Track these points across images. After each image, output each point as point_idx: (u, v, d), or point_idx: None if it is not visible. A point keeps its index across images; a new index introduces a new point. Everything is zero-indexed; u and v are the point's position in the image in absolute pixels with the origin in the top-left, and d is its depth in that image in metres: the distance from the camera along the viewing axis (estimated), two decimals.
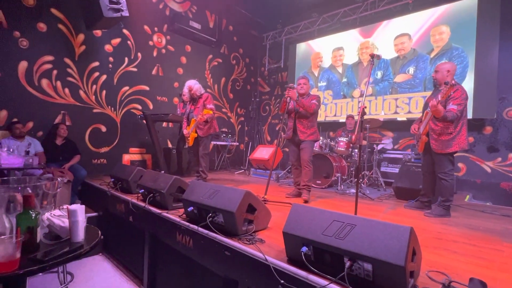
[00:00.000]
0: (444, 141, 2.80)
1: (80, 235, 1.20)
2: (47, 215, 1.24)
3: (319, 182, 4.54)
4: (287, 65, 7.26)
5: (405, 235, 1.22)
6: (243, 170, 6.34)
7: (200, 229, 2.05)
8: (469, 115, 4.48)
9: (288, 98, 3.43)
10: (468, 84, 4.53)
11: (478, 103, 4.46)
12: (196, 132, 4.13)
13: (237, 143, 7.34)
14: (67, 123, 4.43)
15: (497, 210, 3.41)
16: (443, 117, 2.69)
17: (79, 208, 1.19)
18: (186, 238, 2.20)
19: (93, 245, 1.19)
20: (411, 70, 5.13)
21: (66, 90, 4.48)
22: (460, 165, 4.72)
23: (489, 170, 4.49)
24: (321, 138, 4.78)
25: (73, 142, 4.16)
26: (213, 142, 6.38)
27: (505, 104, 4.37)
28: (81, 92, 4.65)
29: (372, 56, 2.33)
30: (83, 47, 4.64)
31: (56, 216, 1.23)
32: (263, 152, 5.76)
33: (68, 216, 1.20)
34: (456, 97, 2.72)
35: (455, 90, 2.76)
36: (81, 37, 4.60)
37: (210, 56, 6.77)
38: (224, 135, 6.62)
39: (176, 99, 6.00)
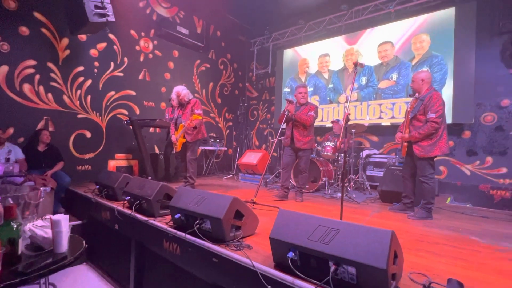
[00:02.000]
0: (426, 146, 2.91)
1: (64, 245, 1.18)
2: (29, 226, 1.21)
3: (307, 186, 4.58)
4: (274, 70, 7.34)
5: (386, 239, 1.26)
6: (231, 175, 6.34)
7: (188, 236, 2.05)
8: (449, 120, 4.66)
9: (287, 111, 3.54)
10: (448, 91, 4.72)
11: (457, 109, 4.64)
12: (184, 137, 4.12)
13: (225, 148, 7.34)
14: (50, 129, 4.32)
15: (477, 211, 3.55)
16: (421, 137, 2.86)
17: (62, 218, 1.17)
18: (173, 246, 2.18)
19: (77, 255, 1.17)
20: (394, 76, 5.30)
21: (49, 95, 4.37)
22: (441, 168, 4.88)
23: (468, 173, 4.67)
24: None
25: (56, 148, 4.06)
26: (201, 147, 6.36)
27: (481, 110, 4.57)
28: (65, 97, 4.56)
29: (356, 64, 2.41)
30: (67, 52, 4.56)
31: (39, 227, 1.21)
32: (251, 157, 5.78)
33: (51, 226, 1.18)
34: (433, 104, 2.84)
35: (429, 97, 2.88)
36: (65, 41, 4.51)
37: (198, 61, 6.78)
38: (212, 140, 6.60)
39: (163, 104, 5.96)
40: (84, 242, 1.33)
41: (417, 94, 2.94)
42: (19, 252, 1.11)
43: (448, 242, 2.22)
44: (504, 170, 4.37)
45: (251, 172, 5.71)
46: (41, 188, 1.38)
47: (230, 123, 7.72)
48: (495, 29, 4.46)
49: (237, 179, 5.91)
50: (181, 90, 4.20)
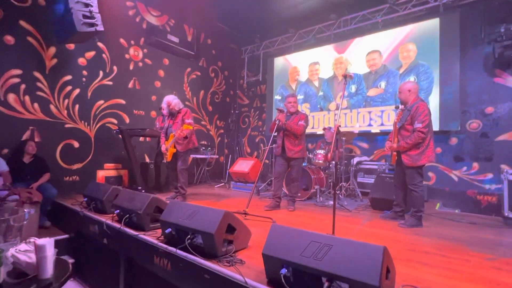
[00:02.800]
0: (414, 155, 2.97)
1: (49, 271, 1.13)
2: (11, 251, 1.16)
3: (299, 194, 4.59)
4: (265, 78, 7.39)
5: (378, 255, 1.27)
6: (223, 184, 6.29)
7: (179, 251, 2.01)
8: (436, 127, 4.76)
9: (278, 120, 3.55)
10: (434, 99, 4.84)
11: (444, 116, 4.75)
12: (174, 147, 4.07)
13: (217, 156, 7.29)
14: (36, 140, 4.20)
15: (465, 217, 3.61)
16: (409, 146, 2.90)
17: (47, 243, 1.13)
18: (164, 261, 2.14)
19: (62, 281, 1.13)
20: (383, 84, 5.40)
21: (36, 105, 4.27)
22: (430, 174, 4.97)
23: (456, 178, 4.77)
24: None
25: (42, 159, 3.95)
26: (192, 156, 6.30)
27: (467, 117, 4.69)
28: (52, 107, 4.46)
29: (345, 76, 2.45)
30: (55, 61, 4.48)
31: (22, 252, 1.15)
32: (243, 165, 5.75)
33: (35, 251, 1.13)
34: (419, 114, 2.91)
35: (416, 107, 2.95)
36: (52, 50, 4.44)
37: (189, 69, 6.76)
38: (204, 148, 6.56)
39: (153, 113, 5.90)
40: (70, 265, 1.29)
41: (401, 106, 3.03)
42: (1, 280, 1.06)
43: (438, 251, 2.25)
44: (490, 175, 4.48)
45: (243, 180, 5.68)
46: (25, 210, 1.33)
47: (222, 131, 7.69)
48: (478, 39, 4.61)
49: (228, 188, 5.87)
50: (171, 100, 4.17)
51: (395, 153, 3.07)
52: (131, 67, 5.57)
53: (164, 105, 4.23)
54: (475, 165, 4.61)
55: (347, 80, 2.49)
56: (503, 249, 2.37)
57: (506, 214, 3.25)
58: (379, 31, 5.49)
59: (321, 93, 6.28)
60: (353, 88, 5.77)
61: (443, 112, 4.75)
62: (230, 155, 7.53)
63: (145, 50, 5.81)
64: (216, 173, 7.33)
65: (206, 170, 6.85)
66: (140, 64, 5.74)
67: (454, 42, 4.70)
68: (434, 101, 4.83)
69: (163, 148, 4.16)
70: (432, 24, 4.92)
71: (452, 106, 4.69)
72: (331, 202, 4.16)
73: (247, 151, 7.82)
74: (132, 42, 5.60)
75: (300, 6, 6.02)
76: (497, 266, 1.97)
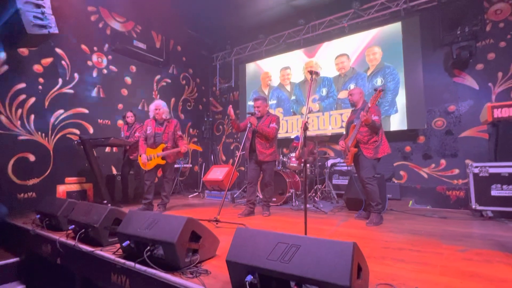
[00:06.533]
0: (373, 148, 3.08)
1: None
2: None
3: (275, 199, 4.48)
4: (238, 84, 7.32)
5: (348, 252, 1.17)
6: (197, 193, 6.05)
7: (137, 265, 1.81)
8: (405, 127, 4.90)
9: (249, 123, 3.51)
10: (401, 99, 4.98)
11: (411, 115, 4.89)
12: (162, 158, 3.86)
13: (190, 165, 7.05)
14: None
15: (436, 213, 3.67)
16: (372, 123, 2.88)
17: None
18: (122, 278, 1.92)
19: None
20: (352, 87, 5.49)
21: None
22: (401, 173, 5.07)
23: (426, 176, 4.89)
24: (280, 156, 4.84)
25: None
26: None
27: (432, 116, 4.86)
28: (2, 118, 4.08)
29: (311, 72, 2.41)
30: (5, 68, 4.12)
31: None
32: (217, 173, 5.57)
33: None
34: (374, 111, 2.97)
35: (367, 107, 3.00)
36: (2, 56, 4.08)
37: (158, 76, 6.54)
38: None
39: (120, 122, 5.59)
40: None
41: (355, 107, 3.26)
42: None
43: (412, 246, 2.21)
44: (456, 171, 4.64)
45: (217, 189, 5.49)
46: None
47: (195, 139, 7.48)
48: (437, 41, 4.83)
49: (203, 197, 5.65)
50: (163, 106, 4.00)
51: (354, 149, 3.08)
52: (94, 74, 5.28)
53: (152, 106, 4.03)
54: (443, 161, 4.76)
55: (314, 77, 2.45)
56: (472, 240, 2.38)
57: (474, 206, 3.33)
58: (346, 35, 5.63)
59: (293, 97, 6.29)
60: (324, 91, 5.84)
61: (410, 111, 4.90)
62: (205, 164, 7.31)
63: (109, 57, 5.54)
64: (190, 183, 7.06)
65: (179, 181, 6.57)
66: (105, 71, 5.46)
67: (415, 44, 4.90)
68: (401, 101, 4.97)
69: (143, 158, 3.86)
70: (395, 28, 5.11)
71: (418, 105, 4.84)
72: (308, 205, 4.10)
73: (223, 159, 7.64)
74: (95, 48, 5.33)
75: (269, 12, 6.06)
76: (468, 257, 1.96)
